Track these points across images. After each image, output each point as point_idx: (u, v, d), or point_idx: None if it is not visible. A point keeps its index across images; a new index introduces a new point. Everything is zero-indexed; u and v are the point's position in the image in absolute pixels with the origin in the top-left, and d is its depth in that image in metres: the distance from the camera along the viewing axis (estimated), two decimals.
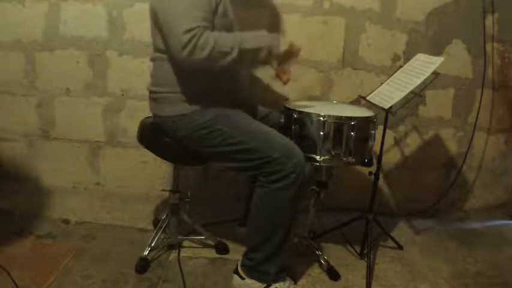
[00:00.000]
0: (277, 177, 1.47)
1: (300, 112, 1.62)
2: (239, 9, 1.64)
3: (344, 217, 2.08)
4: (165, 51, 1.52)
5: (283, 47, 1.51)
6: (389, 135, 2.40)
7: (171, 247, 1.87)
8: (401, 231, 2.26)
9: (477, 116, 2.37)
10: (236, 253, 1.81)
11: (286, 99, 2.10)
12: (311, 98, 2.29)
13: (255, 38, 1.48)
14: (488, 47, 2.32)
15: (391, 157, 2.44)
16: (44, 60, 2.29)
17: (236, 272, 1.65)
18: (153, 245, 1.79)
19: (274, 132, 1.56)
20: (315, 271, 1.81)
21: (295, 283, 1.70)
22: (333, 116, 1.59)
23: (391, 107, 1.72)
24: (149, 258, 1.76)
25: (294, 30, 2.23)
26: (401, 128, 2.41)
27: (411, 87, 1.70)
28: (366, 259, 1.83)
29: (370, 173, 1.87)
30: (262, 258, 1.56)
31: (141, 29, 2.18)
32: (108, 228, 2.04)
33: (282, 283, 1.60)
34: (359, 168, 2.25)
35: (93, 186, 2.46)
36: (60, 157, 2.42)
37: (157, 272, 1.72)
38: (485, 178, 2.56)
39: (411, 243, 2.13)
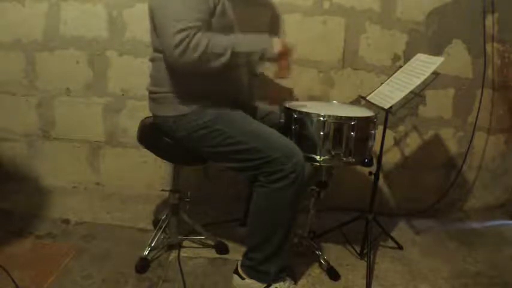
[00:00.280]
0: (277, 177, 1.47)
1: (300, 112, 1.62)
2: (238, 9, 1.64)
3: (344, 217, 2.08)
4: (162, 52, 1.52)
5: (276, 49, 1.49)
6: (389, 135, 2.40)
7: (171, 247, 1.87)
8: (401, 231, 2.26)
9: (477, 116, 2.37)
10: (236, 253, 1.81)
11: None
12: (311, 98, 2.29)
13: (248, 41, 1.47)
14: (488, 47, 2.32)
15: (391, 157, 2.44)
16: (44, 60, 2.29)
17: (236, 272, 1.65)
18: (153, 245, 1.79)
19: (274, 132, 1.56)
20: (315, 271, 1.81)
21: (295, 283, 1.70)
22: (333, 116, 1.59)
23: (391, 107, 1.72)
24: (149, 258, 1.76)
25: (294, 30, 2.24)
26: (401, 128, 2.41)
27: (411, 87, 1.70)
28: (366, 259, 1.83)
29: (370, 173, 1.87)
30: (262, 258, 1.56)
31: (141, 29, 2.18)
32: (108, 228, 2.04)
33: (282, 283, 1.60)
34: (359, 168, 2.25)
35: (93, 186, 2.46)
36: (60, 157, 2.42)
37: (157, 272, 1.72)
38: (485, 178, 2.56)
39: (411, 243, 2.13)
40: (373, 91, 1.89)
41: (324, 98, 2.32)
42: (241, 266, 1.63)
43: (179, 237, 1.87)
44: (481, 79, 2.34)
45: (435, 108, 2.39)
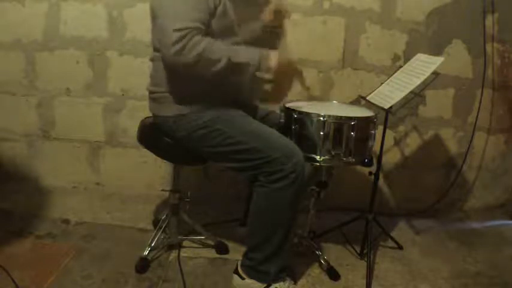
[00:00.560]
0: (277, 177, 1.47)
1: (300, 112, 1.62)
2: (239, 9, 1.64)
3: (344, 217, 2.08)
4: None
5: (272, 63, 1.47)
6: (389, 135, 2.40)
7: (171, 247, 1.87)
8: (401, 231, 2.26)
9: (477, 116, 2.37)
10: (236, 253, 1.81)
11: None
12: (311, 98, 2.29)
13: (245, 53, 1.46)
14: (488, 47, 2.32)
15: (391, 157, 2.44)
16: (44, 60, 2.29)
17: (236, 272, 1.65)
18: (153, 245, 1.79)
19: (274, 132, 1.56)
20: (315, 271, 1.81)
21: (295, 283, 1.70)
22: (333, 116, 1.59)
23: (391, 107, 1.72)
24: (149, 258, 1.76)
25: (294, 30, 2.23)
26: (401, 128, 2.41)
27: (411, 87, 1.70)
28: (366, 259, 1.83)
29: (370, 173, 1.87)
30: (262, 258, 1.56)
31: (141, 29, 2.19)
32: (108, 228, 2.04)
33: (282, 283, 1.60)
34: (359, 168, 2.25)
35: (93, 186, 2.46)
36: (60, 157, 2.42)
37: (157, 272, 1.72)
38: (485, 178, 2.56)
39: (411, 243, 2.13)
40: (373, 91, 1.89)
41: (324, 98, 2.32)
42: (241, 266, 1.63)
43: (179, 237, 1.87)
44: (481, 79, 2.34)
45: (435, 108, 2.39)
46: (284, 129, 1.65)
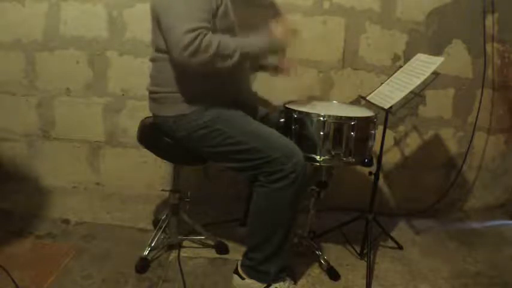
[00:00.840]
0: (277, 177, 1.47)
1: (300, 112, 1.62)
2: (240, 9, 1.64)
3: (344, 217, 2.08)
4: (166, 51, 1.52)
5: (278, 34, 1.53)
6: (389, 135, 2.40)
7: (171, 247, 1.87)
8: (401, 231, 2.26)
9: (477, 116, 2.37)
10: (236, 253, 1.81)
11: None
12: (311, 98, 2.28)
13: (253, 41, 1.49)
14: (488, 47, 2.32)
15: (391, 157, 2.44)
16: (44, 60, 2.29)
17: (236, 272, 1.65)
18: (153, 245, 1.79)
19: (274, 132, 1.56)
20: (315, 271, 1.81)
21: (295, 283, 1.70)
22: (333, 116, 1.59)
23: (391, 107, 1.72)
24: (149, 258, 1.76)
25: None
26: (401, 128, 2.41)
27: (411, 87, 1.70)
28: (366, 259, 1.83)
29: (370, 173, 1.87)
30: (262, 258, 1.56)
31: (141, 29, 2.19)
32: (108, 228, 2.04)
33: (282, 283, 1.60)
34: (359, 168, 2.25)
35: (93, 186, 2.46)
36: (60, 157, 2.42)
37: (157, 272, 1.72)
38: (485, 178, 2.56)
39: (411, 243, 2.13)
40: (373, 91, 1.89)
41: (324, 98, 2.32)
42: (241, 266, 1.63)
43: (179, 237, 1.87)
44: (481, 79, 2.34)
45: (435, 108, 2.39)
46: (284, 129, 1.65)
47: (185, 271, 1.72)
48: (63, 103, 2.35)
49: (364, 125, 1.66)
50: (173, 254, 1.84)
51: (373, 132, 1.70)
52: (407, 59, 2.04)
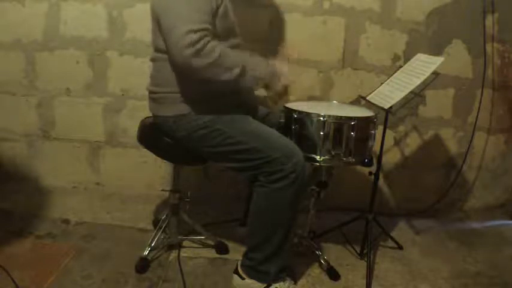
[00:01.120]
0: (277, 177, 1.47)
1: (300, 112, 1.62)
2: (240, 10, 1.64)
3: (344, 217, 2.08)
4: (166, 52, 1.51)
5: (281, 83, 1.55)
6: (389, 135, 2.40)
7: (171, 247, 1.87)
8: (401, 231, 2.26)
9: (477, 116, 2.37)
10: (236, 253, 1.81)
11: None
12: (311, 98, 2.29)
13: (256, 66, 1.49)
14: (488, 47, 2.32)
15: (391, 157, 2.44)
16: (44, 60, 2.29)
17: (236, 272, 1.65)
18: (153, 245, 1.79)
19: (274, 132, 1.56)
20: (315, 271, 1.81)
21: (295, 283, 1.70)
22: (333, 116, 1.59)
23: (391, 107, 1.72)
24: (149, 258, 1.76)
25: (294, 30, 2.24)
26: (401, 128, 2.41)
27: (411, 87, 1.70)
28: (366, 259, 1.83)
29: (370, 173, 1.87)
30: (262, 258, 1.56)
31: (141, 29, 2.19)
32: (108, 228, 2.04)
33: (282, 283, 1.60)
34: (359, 168, 2.25)
35: (93, 186, 2.46)
36: (60, 157, 2.42)
37: (157, 272, 1.72)
38: (485, 178, 2.56)
39: (411, 243, 2.13)
40: (373, 91, 1.89)
41: (324, 98, 2.32)
42: (241, 266, 1.63)
43: (179, 237, 1.87)
44: (481, 79, 2.34)
45: (435, 108, 2.39)
46: (284, 129, 1.65)
47: (185, 271, 1.72)
48: (63, 103, 2.35)
49: (364, 125, 1.66)
50: (173, 254, 1.84)
51: (373, 132, 1.69)
52: (407, 59, 2.04)
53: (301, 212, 1.60)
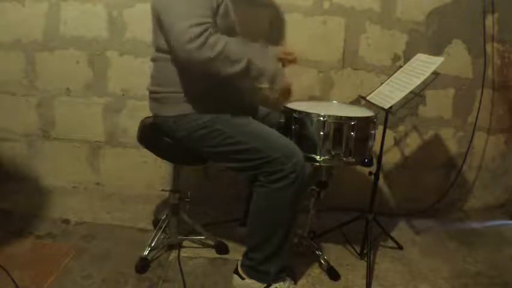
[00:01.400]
0: (277, 177, 1.47)
1: (300, 112, 1.62)
2: (240, 9, 1.64)
3: (344, 217, 2.08)
4: (167, 51, 1.51)
5: (282, 83, 1.52)
6: (389, 135, 2.40)
7: (171, 247, 1.87)
8: (401, 231, 2.26)
9: (477, 116, 2.37)
10: (236, 253, 1.81)
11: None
12: (311, 98, 2.29)
13: (262, 57, 1.47)
14: (488, 47, 2.32)
15: (391, 157, 2.44)
16: (44, 60, 2.29)
17: (236, 272, 1.65)
18: (153, 245, 1.79)
19: (274, 132, 1.56)
20: (315, 271, 1.81)
21: (295, 283, 1.70)
22: (333, 116, 1.59)
23: (391, 107, 1.72)
24: (149, 258, 1.76)
25: (294, 30, 2.24)
26: (401, 128, 2.41)
27: (411, 87, 1.70)
28: (366, 259, 1.83)
29: (370, 173, 1.87)
30: (262, 258, 1.56)
31: (141, 29, 2.19)
32: (108, 228, 2.04)
33: (282, 283, 1.60)
34: (359, 168, 2.25)
35: (93, 186, 2.46)
36: (60, 157, 2.42)
37: (157, 272, 1.72)
38: (485, 178, 2.56)
39: (411, 243, 2.13)
40: (373, 91, 1.89)
41: (324, 98, 2.32)
42: (241, 266, 1.63)
43: (179, 237, 1.87)
44: (481, 79, 2.34)
45: (435, 108, 2.39)
46: (284, 129, 1.65)
47: (185, 271, 1.72)
48: (63, 103, 2.35)
49: (364, 125, 1.66)
50: (173, 254, 1.84)
51: (373, 132, 1.70)
52: (407, 59, 2.04)
53: (301, 212, 1.60)
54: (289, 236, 1.57)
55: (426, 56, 1.83)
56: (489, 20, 2.29)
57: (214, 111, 1.55)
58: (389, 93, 1.78)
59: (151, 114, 1.73)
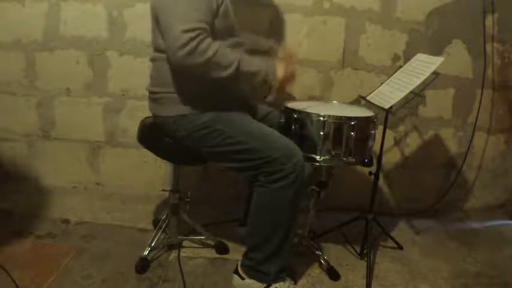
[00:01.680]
0: (277, 177, 1.47)
1: (300, 112, 1.62)
2: (240, 10, 1.64)
3: (344, 217, 2.08)
4: (165, 51, 1.51)
5: (279, 74, 1.51)
6: (389, 135, 2.40)
7: (171, 247, 1.87)
8: (401, 231, 2.26)
9: (477, 116, 2.37)
10: (236, 253, 1.81)
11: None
12: (311, 98, 2.29)
13: (253, 61, 1.48)
14: (488, 47, 2.32)
15: (391, 157, 2.44)
16: (44, 60, 2.29)
17: (236, 272, 1.65)
18: (153, 245, 1.79)
19: (274, 132, 1.56)
20: (315, 271, 1.81)
21: (295, 283, 1.70)
22: (333, 116, 1.59)
23: (391, 107, 1.72)
24: (149, 258, 1.76)
25: (294, 30, 2.24)
26: (401, 128, 2.41)
27: (411, 87, 1.70)
28: (366, 259, 1.83)
29: (370, 173, 1.87)
30: (262, 258, 1.56)
31: (141, 29, 2.19)
32: (108, 228, 2.04)
33: (282, 283, 1.60)
34: (359, 168, 2.25)
35: (93, 186, 2.46)
36: (60, 157, 2.42)
37: (157, 272, 1.72)
38: (485, 178, 2.56)
39: (411, 243, 2.13)
40: (373, 91, 1.89)
41: (324, 98, 2.32)
42: (241, 266, 1.63)
43: (179, 237, 1.87)
44: (481, 79, 2.34)
45: (435, 108, 2.39)
46: (284, 129, 1.65)
47: (185, 271, 1.72)
48: (63, 103, 2.35)
49: (364, 125, 1.66)
50: (173, 254, 1.84)
51: (373, 132, 1.70)
52: (407, 59, 2.04)
53: (301, 212, 1.60)
54: (289, 236, 1.57)
55: (426, 56, 1.83)
56: (489, 20, 2.29)
57: (214, 109, 1.55)
58: (390, 93, 1.78)
59: (151, 114, 1.73)
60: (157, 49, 1.58)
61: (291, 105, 1.70)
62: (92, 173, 2.45)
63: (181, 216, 1.85)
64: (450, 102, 2.39)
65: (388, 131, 2.02)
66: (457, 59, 2.32)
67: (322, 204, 1.87)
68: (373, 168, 1.82)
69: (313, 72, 2.30)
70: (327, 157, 1.61)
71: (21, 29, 2.25)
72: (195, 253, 1.87)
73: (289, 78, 1.55)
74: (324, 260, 1.82)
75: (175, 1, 1.38)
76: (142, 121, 1.81)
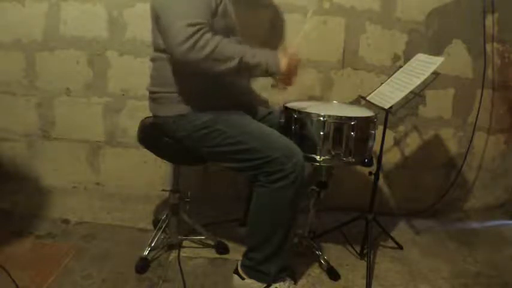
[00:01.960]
0: (277, 177, 1.47)
1: (300, 112, 1.62)
2: (240, 9, 1.64)
3: (344, 217, 2.08)
4: (166, 51, 1.51)
5: (282, 65, 1.48)
6: (389, 135, 2.40)
7: (171, 247, 1.87)
8: (401, 231, 2.26)
9: (477, 116, 2.37)
10: (236, 253, 1.81)
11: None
12: (311, 98, 2.29)
13: (255, 53, 1.46)
14: (488, 47, 2.32)
15: (391, 157, 2.44)
16: (44, 60, 2.29)
17: (236, 272, 1.65)
18: (153, 245, 1.79)
19: (274, 132, 1.56)
20: (315, 271, 1.81)
21: (295, 283, 1.70)
22: (333, 116, 1.59)
23: (391, 107, 1.72)
24: (149, 258, 1.76)
25: (294, 30, 2.23)
26: (401, 128, 2.41)
27: (411, 87, 1.70)
28: (366, 259, 1.83)
29: (370, 173, 1.87)
30: (262, 258, 1.56)
31: (141, 29, 2.19)
32: (108, 228, 2.04)
33: (282, 283, 1.60)
34: (359, 168, 2.25)
35: (93, 186, 2.46)
36: (60, 157, 2.42)
37: (157, 272, 1.72)
38: (485, 178, 2.56)
39: (411, 243, 2.13)
40: (373, 91, 1.89)
41: (324, 98, 2.32)
42: (241, 266, 1.63)
43: (179, 237, 1.87)
44: (481, 79, 2.34)
45: (435, 108, 2.39)
46: (284, 129, 1.65)
47: (185, 271, 1.72)
48: (63, 103, 2.35)
49: (364, 125, 1.66)
50: (173, 254, 1.84)
51: (373, 132, 1.69)
52: (407, 59, 2.04)
53: (301, 212, 1.60)
54: (289, 236, 1.57)
55: (426, 56, 1.83)
56: (489, 20, 2.29)
57: (213, 108, 1.55)
58: (390, 93, 1.78)
59: (151, 114, 1.73)
60: (157, 49, 1.58)
61: (291, 105, 1.70)
62: (92, 173, 2.45)
63: (181, 216, 1.85)
64: (450, 102, 2.39)
65: (388, 131, 2.02)
66: (457, 59, 2.32)
67: (322, 204, 1.87)
68: (373, 168, 1.82)
69: (313, 72, 2.30)
70: (327, 157, 1.61)
71: (21, 29, 2.25)
72: (195, 253, 1.87)
73: (293, 70, 1.53)
74: (324, 260, 1.82)
75: (175, 0, 1.38)
76: (142, 121, 1.81)
